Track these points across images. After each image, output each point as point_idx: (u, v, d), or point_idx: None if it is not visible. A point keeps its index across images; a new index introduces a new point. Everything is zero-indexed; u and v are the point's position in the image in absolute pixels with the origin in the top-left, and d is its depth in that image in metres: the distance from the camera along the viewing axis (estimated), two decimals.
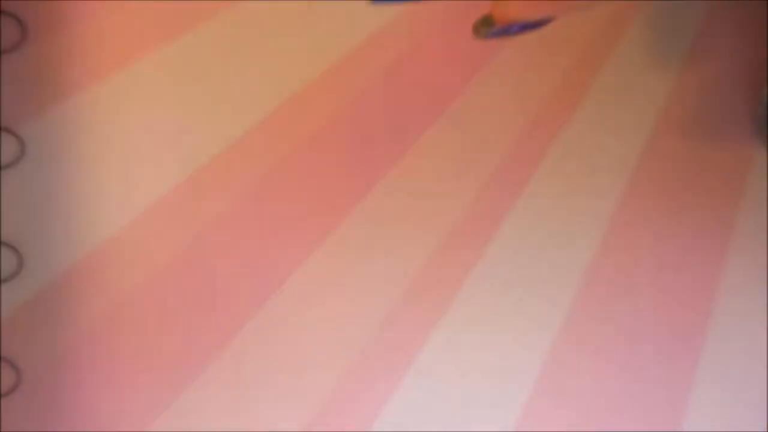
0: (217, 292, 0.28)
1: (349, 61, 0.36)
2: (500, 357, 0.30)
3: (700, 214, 0.36)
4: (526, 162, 0.36)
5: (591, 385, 0.30)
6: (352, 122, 0.34)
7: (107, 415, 0.25)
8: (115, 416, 0.25)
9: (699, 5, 0.45)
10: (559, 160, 0.36)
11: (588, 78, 0.40)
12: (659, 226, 0.35)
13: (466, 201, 0.34)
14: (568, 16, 0.40)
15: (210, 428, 0.26)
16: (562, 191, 0.35)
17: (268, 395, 0.27)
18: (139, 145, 0.29)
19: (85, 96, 0.29)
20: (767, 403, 0.29)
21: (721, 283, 0.34)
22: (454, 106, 0.37)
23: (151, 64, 0.30)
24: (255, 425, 0.26)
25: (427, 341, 0.30)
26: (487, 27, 0.26)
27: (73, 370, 0.25)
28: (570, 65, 0.40)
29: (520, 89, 0.39)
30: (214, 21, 0.32)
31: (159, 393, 0.26)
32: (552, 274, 0.33)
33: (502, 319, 0.31)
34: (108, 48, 0.30)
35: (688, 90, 0.40)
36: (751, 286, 0.34)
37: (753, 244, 0.35)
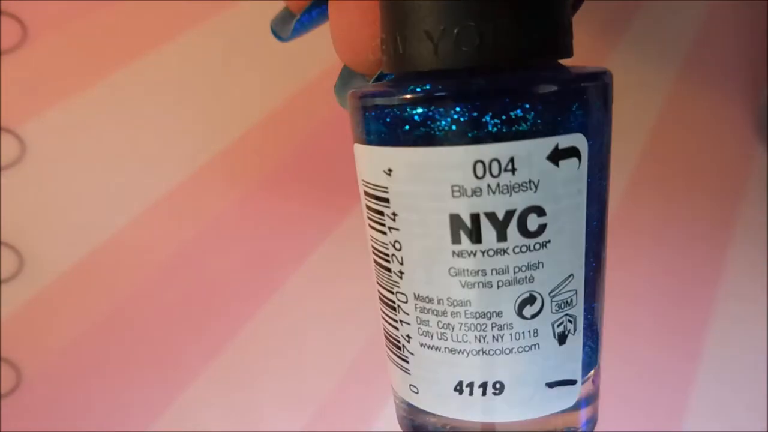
0: (216, 293, 0.28)
1: None
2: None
3: (700, 214, 0.36)
4: None
5: None
6: None
7: (107, 415, 0.25)
8: (115, 416, 0.25)
9: (699, 5, 0.45)
10: None
11: None
12: (659, 225, 0.35)
13: None
14: None
15: (210, 428, 0.26)
16: None
17: (267, 395, 0.27)
18: (139, 145, 0.29)
19: (85, 96, 0.29)
20: (767, 403, 0.29)
21: (721, 283, 0.34)
22: None
23: (150, 64, 0.30)
24: (255, 425, 0.26)
25: None
26: (290, 19, 0.19)
27: (73, 370, 0.25)
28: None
29: None
30: (214, 21, 0.32)
31: (159, 393, 0.26)
32: None
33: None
34: (108, 48, 0.30)
35: (688, 90, 0.40)
36: (751, 285, 0.34)
37: (753, 244, 0.35)
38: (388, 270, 0.14)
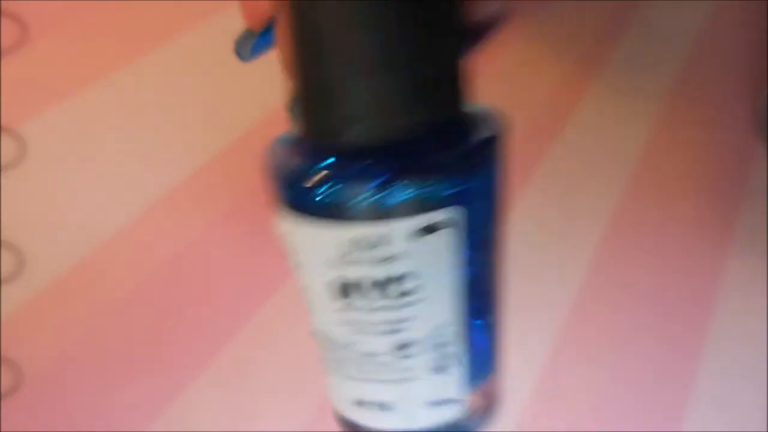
0: (216, 293, 0.28)
1: None
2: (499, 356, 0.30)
3: (701, 213, 0.36)
4: (526, 162, 0.36)
5: (590, 385, 0.30)
6: None
7: (107, 415, 0.25)
8: (115, 416, 0.25)
9: (699, 5, 0.45)
10: (559, 160, 0.36)
11: (588, 78, 0.40)
12: (659, 225, 0.35)
13: None
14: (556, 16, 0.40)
15: (210, 428, 0.26)
16: (562, 191, 0.35)
17: (267, 395, 0.27)
18: (139, 145, 0.29)
19: (85, 96, 0.29)
20: (767, 403, 0.29)
21: (722, 283, 0.33)
22: None
23: (150, 64, 0.30)
24: (255, 425, 0.26)
25: None
26: (250, 39, 0.19)
27: (73, 370, 0.25)
28: (570, 65, 0.40)
29: (520, 89, 0.39)
30: (214, 21, 0.32)
31: (159, 393, 0.26)
32: (551, 275, 0.33)
33: (502, 318, 0.31)
34: (108, 48, 0.30)
35: (689, 90, 0.40)
36: (752, 285, 0.34)
37: (753, 243, 0.35)
38: (305, 305, 0.16)
